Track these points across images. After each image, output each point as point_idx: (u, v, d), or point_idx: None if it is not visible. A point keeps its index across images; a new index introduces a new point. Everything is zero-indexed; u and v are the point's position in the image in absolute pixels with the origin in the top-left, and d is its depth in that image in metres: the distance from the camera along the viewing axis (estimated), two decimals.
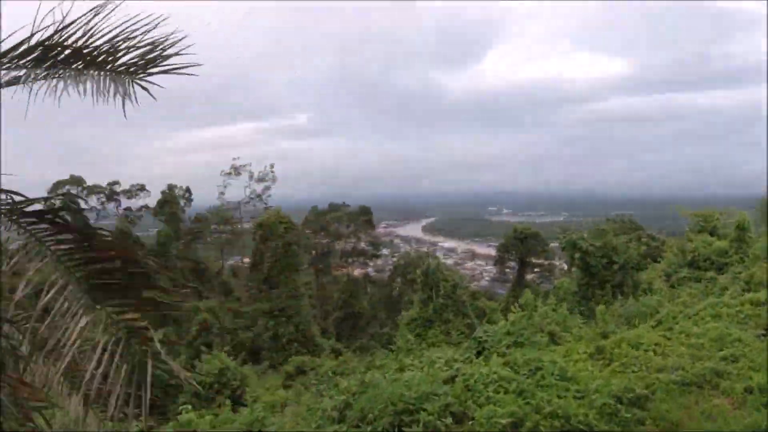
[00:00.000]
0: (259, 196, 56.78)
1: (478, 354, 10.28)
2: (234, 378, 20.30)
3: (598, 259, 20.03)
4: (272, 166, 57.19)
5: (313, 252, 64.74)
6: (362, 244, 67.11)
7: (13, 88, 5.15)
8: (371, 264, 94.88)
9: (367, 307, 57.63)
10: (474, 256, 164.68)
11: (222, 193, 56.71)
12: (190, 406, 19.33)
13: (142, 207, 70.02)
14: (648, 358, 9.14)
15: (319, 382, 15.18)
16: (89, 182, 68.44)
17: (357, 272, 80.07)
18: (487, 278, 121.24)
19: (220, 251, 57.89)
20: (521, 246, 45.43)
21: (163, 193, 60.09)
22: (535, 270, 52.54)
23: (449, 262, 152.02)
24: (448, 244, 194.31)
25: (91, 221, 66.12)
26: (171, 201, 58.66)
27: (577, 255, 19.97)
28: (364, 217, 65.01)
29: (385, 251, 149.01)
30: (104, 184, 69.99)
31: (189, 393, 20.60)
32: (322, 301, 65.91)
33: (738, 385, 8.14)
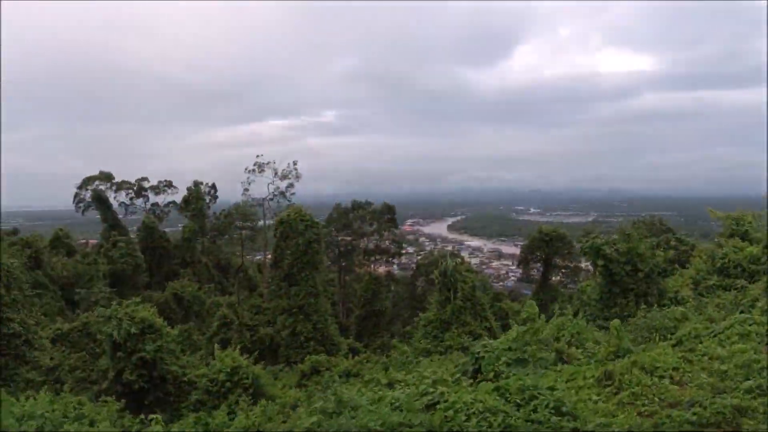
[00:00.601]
0: (282, 193, 56.70)
1: (475, 372, 9.60)
2: (246, 377, 20.10)
3: (621, 266, 19.06)
4: (295, 163, 57.06)
5: (337, 250, 64.67)
6: (385, 242, 66.65)
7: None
8: (396, 262, 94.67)
9: (389, 305, 57.23)
10: (500, 255, 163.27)
11: (246, 190, 56.83)
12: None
13: (169, 203, 71.06)
14: (663, 387, 8.04)
15: (323, 386, 14.77)
16: (120, 178, 69.62)
17: (382, 270, 79.87)
18: (513, 278, 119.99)
19: (240, 247, 58.09)
20: (546, 247, 44.42)
21: (188, 189, 60.70)
22: (561, 271, 51.42)
23: (475, 261, 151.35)
24: (474, 242, 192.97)
25: (120, 216, 67.44)
26: (196, 197, 59.21)
27: (600, 261, 19.09)
28: (387, 215, 64.60)
29: (410, 249, 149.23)
30: (133, 180, 71.21)
31: (201, 390, 20.57)
32: (345, 299, 65.87)
33: (763, 426, 7.30)
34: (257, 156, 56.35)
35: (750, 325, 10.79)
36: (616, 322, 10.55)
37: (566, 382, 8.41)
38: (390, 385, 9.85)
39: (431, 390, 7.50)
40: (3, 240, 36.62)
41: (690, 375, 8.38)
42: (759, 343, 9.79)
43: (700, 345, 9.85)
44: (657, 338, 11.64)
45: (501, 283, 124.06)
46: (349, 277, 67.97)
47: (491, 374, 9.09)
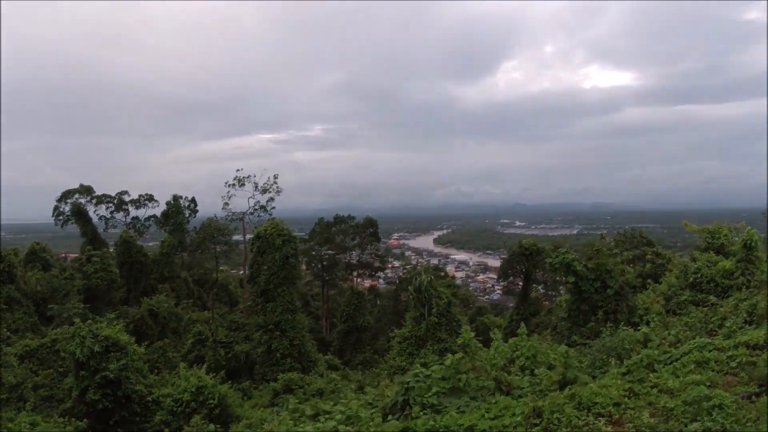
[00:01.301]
0: (263, 207, 56.28)
1: (404, 403, 9.11)
2: (211, 396, 19.63)
3: (590, 283, 18.78)
4: (276, 177, 56.72)
5: (320, 264, 64.15)
6: (367, 257, 66.28)
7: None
8: (381, 276, 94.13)
9: (372, 320, 56.69)
10: (486, 269, 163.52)
11: (227, 204, 56.35)
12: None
13: (150, 217, 70.21)
14: (596, 429, 7.10)
15: (285, 405, 14.34)
16: (104, 191, 68.81)
17: (367, 284, 79.38)
18: (499, 291, 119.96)
19: (215, 262, 57.45)
20: (526, 261, 44.26)
21: (168, 204, 60.05)
22: (541, 286, 51.33)
23: (461, 274, 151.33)
24: (461, 256, 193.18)
25: (100, 230, 66.53)
26: (176, 211, 58.56)
27: (570, 277, 18.74)
28: (369, 229, 64.28)
29: (396, 263, 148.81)
30: (114, 193, 70.36)
31: (166, 410, 20.07)
32: (329, 314, 65.23)
33: None
34: (237, 170, 56.06)
35: (710, 351, 10.16)
36: (562, 348, 10.07)
37: (492, 420, 7.60)
38: (315, 416, 9.44)
39: (340, 428, 7.09)
40: None
41: (632, 412, 7.52)
42: (718, 372, 9.19)
43: (651, 375, 9.16)
44: (612, 363, 11.06)
45: (487, 297, 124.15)
46: (333, 291, 67.41)
47: (417, 408, 8.59)
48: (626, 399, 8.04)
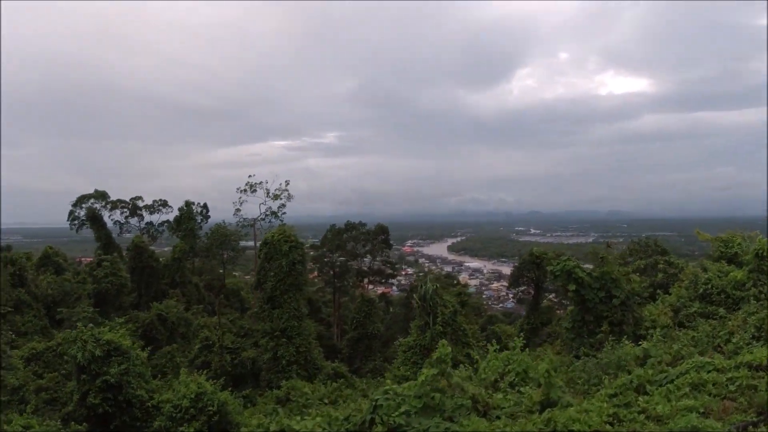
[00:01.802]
0: (274, 213, 56.42)
1: (373, 422, 8.73)
2: (211, 403, 19.48)
3: (595, 292, 18.26)
4: (287, 183, 56.88)
5: (331, 271, 64.06)
6: (378, 264, 66.06)
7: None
8: (394, 283, 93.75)
9: (382, 327, 56.35)
10: (500, 276, 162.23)
11: (238, 210, 56.61)
12: None
13: (164, 222, 70.83)
14: None
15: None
16: (118, 196, 69.60)
17: (380, 291, 79.14)
18: (512, 300, 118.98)
19: (222, 268, 57.68)
20: (537, 269, 43.70)
21: (180, 210, 60.50)
22: (552, 294, 50.69)
23: (475, 282, 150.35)
24: (475, 264, 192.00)
25: (115, 235, 67.24)
26: (188, 217, 58.95)
27: (572, 286, 18.20)
28: (381, 236, 64.11)
29: (410, 270, 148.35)
30: (128, 198, 71.13)
31: (165, 416, 19.97)
32: (340, 321, 65.04)
33: None
34: (249, 176, 56.33)
35: (708, 371, 9.36)
36: (542, 366, 9.51)
37: None
38: None
39: None
40: None
41: None
42: (715, 395, 8.47)
43: (641, 398, 8.43)
44: (606, 382, 10.38)
45: (501, 305, 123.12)
46: (346, 298, 67.24)
47: (380, 428, 8.14)
48: (608, 426, 7.37)
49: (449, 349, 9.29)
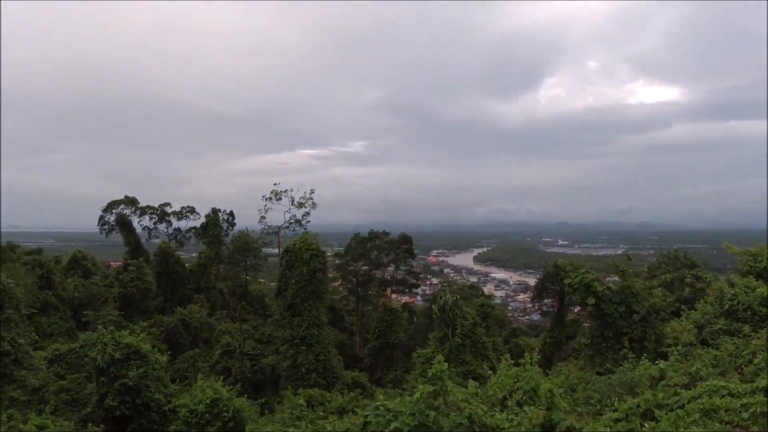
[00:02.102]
0: (298, 221, 56.80)
1: None
2: (226, 409, 19.61)
3: (614, 307, 17.77)
4: (312, 191, 57.25)
5: (354, 279, 64.09)
6: (402, 273, 65.82)
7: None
8: (419, 293, 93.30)
9: (404, 337, 56.11)
10: (527, 288, 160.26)
11: (263, 218, 57.19)
12: None
13: (191, 228, 71.87)
14: None
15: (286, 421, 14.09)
16: (146, 203, 70.92)
17: (404, 301, 78.85)
18: (537, 312, 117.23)
19: (244, 275, 58.17)
20: (561, 282, 42.96)
21: (207, 216, 61.36)
22: (578, 307, 49.73)
23: (500, 294, 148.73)
24: (501, 275, 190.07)
25: (143, 240, 68.53)
26: (213, 224, 59.74)
27: (590, 300, 17.74)
28: (404, 245, 63.92)
29: (435, 280, 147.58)
30: (157, 205, 72.43)
31: (180, 421, 20.13)
32: (362, 330, 64.94)
33: None
34: (274, 184, 56.88)
35: (722, 396, 8.76)
36: (545, 385, 9.16)
37: None
38: None
39: None
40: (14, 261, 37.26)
41: None
42: (726, 423, 7.98)
43: (647, 424, 7.99)
44: (616, 403, 9.79)
45: (527, 317, 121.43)
46: (369, 307, 67.17)
47: None
48: None
49: (446, 365, 9.07)
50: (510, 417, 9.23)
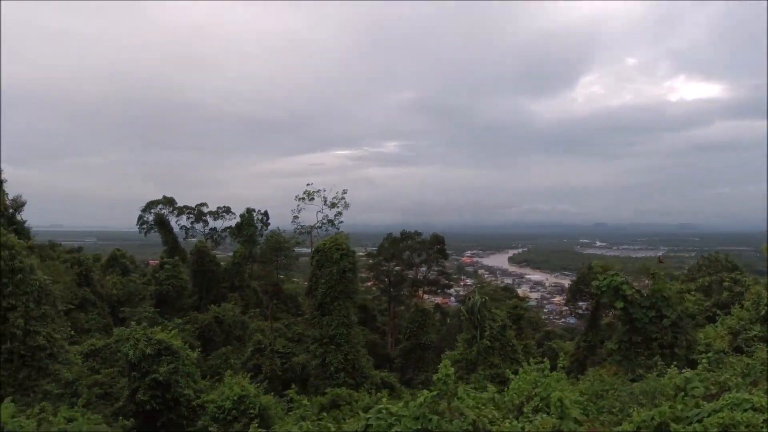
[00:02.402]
0: (331, 221, 57.25)
1: None
2: (252, 406, 19.88)
3: (644, 311, 17.25)
4: (345, 192, 57.62)
5: (387, 279, 64.22)
6: (434, 274, 65.60)
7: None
8: (452, 293, 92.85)
9: (436, 338, 55.93)
10: (563, 290, 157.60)
11: (296, 217, 57.85)
12: None
13: (226, 228, 73.27)
14: None
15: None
16: (182, 203, 72.58)
17: (437, 301, 78.60)
18: (573, 315, 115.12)
19: (275, 273, 58.87)
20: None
21: (241, 216, 62.43)
22: (612, 310, 48.66)
23: (536, 296, 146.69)
24: (536, 276, 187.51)
25: (180, 239, 70.12)
26: (248, 224, 60.75)
27: (619, 303, 17.31)
28: (436, 246, 63.69)
29: (469, 281, 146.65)
30: (193, 205, 74.05)
31: (208, 416, 20.51)
32: (394, 330, 65.04)
33: None
34: (307, 184, 57.47)
35: (744, 410, 8.21)
36: (556, 394, 8.90)
37: None
38: None
39: None
40: (57, 258, 38.66)
41: None
42: None
43: None
44: (635, 414, 9.15)
45: (562, 320, 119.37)
46: (401, 307, 67.22)
47: None
48: None
49: (452, 370, 8.97)
50: (517, 425, 9.05)
